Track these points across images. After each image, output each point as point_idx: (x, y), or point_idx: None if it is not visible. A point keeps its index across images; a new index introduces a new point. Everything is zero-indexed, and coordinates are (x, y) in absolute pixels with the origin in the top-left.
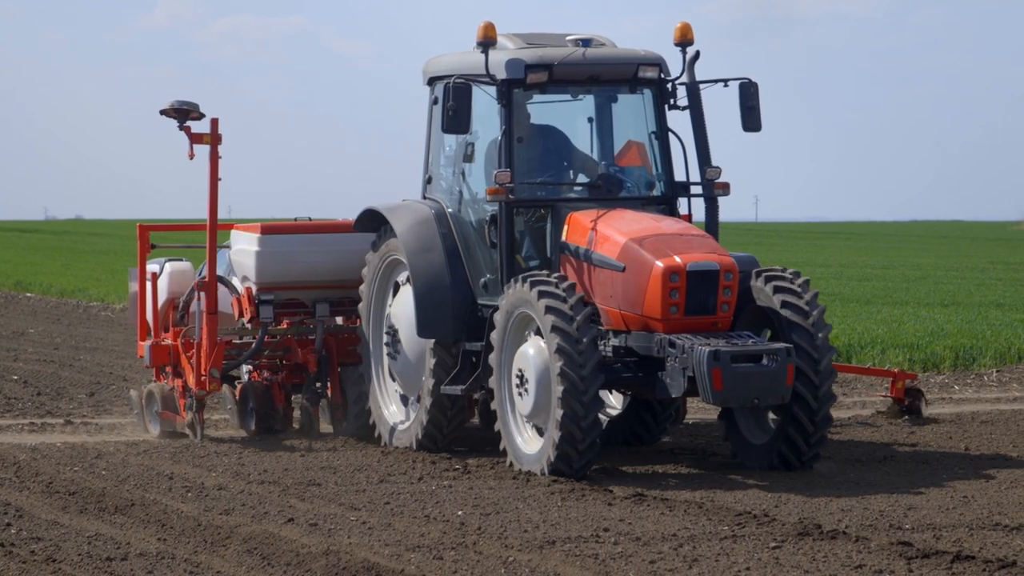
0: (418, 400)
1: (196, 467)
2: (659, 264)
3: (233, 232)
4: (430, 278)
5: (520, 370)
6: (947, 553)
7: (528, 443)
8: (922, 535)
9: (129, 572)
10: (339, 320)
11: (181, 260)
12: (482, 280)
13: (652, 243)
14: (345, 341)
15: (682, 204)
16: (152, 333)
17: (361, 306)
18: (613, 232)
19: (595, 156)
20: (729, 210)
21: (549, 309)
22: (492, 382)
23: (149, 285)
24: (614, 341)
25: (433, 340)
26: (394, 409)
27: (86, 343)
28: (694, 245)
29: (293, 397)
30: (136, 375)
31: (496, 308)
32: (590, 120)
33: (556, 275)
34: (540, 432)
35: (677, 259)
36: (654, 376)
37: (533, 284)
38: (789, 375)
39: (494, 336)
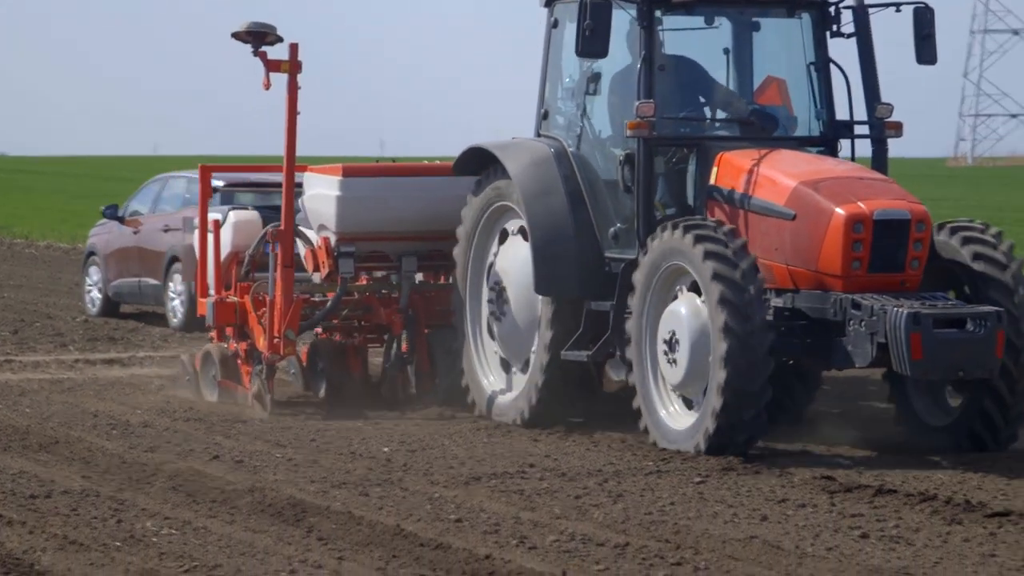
0: (525, 367)
1: (121, 404)
2: (840, 211)
3: (307, 175)
4: (551, 226)
5: (671, 332)
6: (869, 487)
7: (675, 418)
8: (845, 470)
9: (53, 510)
10: (419, 276)
11: (247, 208)
12: (611, 229)
13: (830, 187)
14: (433, 299)
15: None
16: (214, 290)
17: (458, 257)
18: (779, 174)
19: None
20: None
21: (709, 255)
22: (630, 348)
23: (211, 236)
24: (777, 301)
25: (551, 298)
26: (494, 378)
27: (10, 280)
28: (878, 190)
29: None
30: (60, 312)
31: (629, 262)
32: (726, 52)
33: (713, 220)
34: (690, 405)
35: (862, 205)
36: (829, 343)
37: (687, 229)
38: (999, 344)
39: (634, 293)
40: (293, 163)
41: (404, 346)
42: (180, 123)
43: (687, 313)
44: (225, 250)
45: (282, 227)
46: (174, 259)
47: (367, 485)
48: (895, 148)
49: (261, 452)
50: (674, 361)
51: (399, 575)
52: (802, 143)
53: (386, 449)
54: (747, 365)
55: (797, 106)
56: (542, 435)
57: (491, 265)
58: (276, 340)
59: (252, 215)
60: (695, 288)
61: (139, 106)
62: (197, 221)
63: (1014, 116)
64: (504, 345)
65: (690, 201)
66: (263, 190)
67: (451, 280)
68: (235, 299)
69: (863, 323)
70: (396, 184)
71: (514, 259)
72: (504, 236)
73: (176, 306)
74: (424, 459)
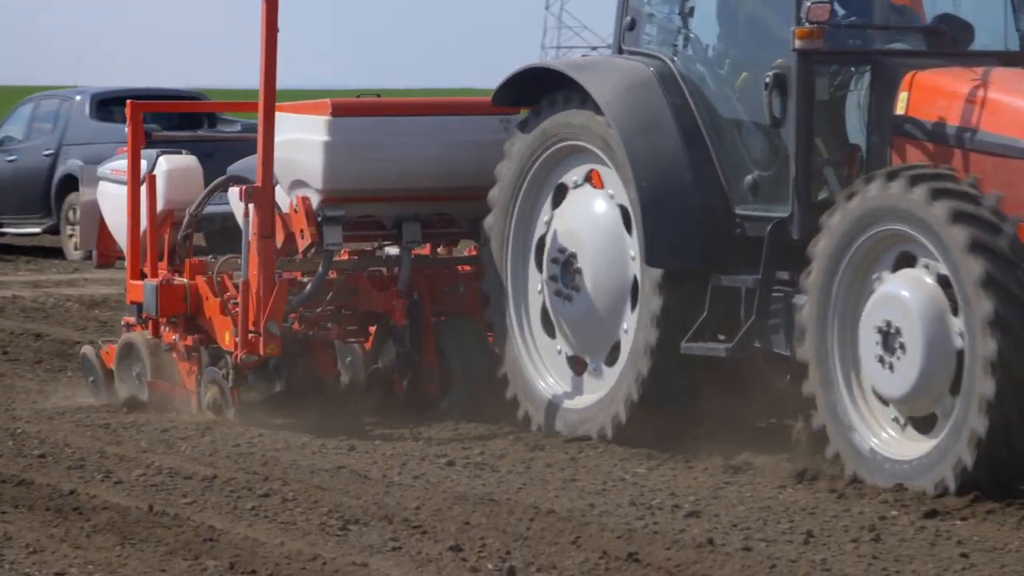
0: (609, 363)
1: None
2: None
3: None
4: (661, 174)
5: (885, 326)
6: (452, 418)
7: (893, 445)
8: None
9: None
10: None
11: (180, 152)
12: (748, 178)
13: None
14: (437, 278)
15: None
16: (147, 267)
17: (493, 216)
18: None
19: None
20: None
21: (976, 246)
22: (807, 338)
23: (144, 191)
24: None
25: (662, 272)
26: (554, 380)
27: None
28: None
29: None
30: None
31: (778, 221)
32: None
33: (968, 178)
34: (915, 427)
35: None
36: None
37: (937, 193)
38: None
39: (818, 266)
40: (273, 96)
41: (367, 345)
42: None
43: (915, 298)
44: (156, 208)
45: (259, 183)
46: None
47: None
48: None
49: None
50: (894, 366)
51: None
52: (1002, 60)
53: None
54: None
55: (987, 12)
56: None
57: (548, 226)
58: (252, 335)
59: (189, 161)
60: (906, 262)
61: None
62: (103, 170)
63: (594, 49)
64: (573, 334)
65: (851, 138)
66: None
67: (460, 250)
68: (183, 280)
69: None
70: (402, 126)
71: (587, 217)
72: (564, 188)
73: None
74: (5, 394)
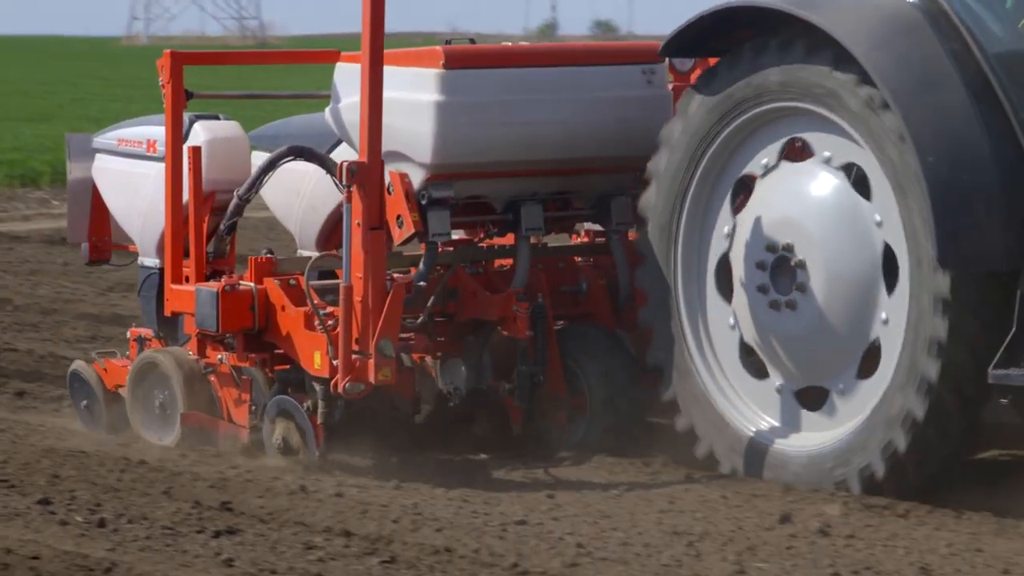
0: (857, 380)
1: None
2: None
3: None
4: (951, 145)
5: None
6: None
7: None
8: None
9: None
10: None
11: (219, 117)
12: None
13: None
14: (554, 275)
15: None
16: (193, 265)
17: (654, 197)
18: None
19: None
20: None
21: None
22: None
23: (187, 166)
24: None
25: (953, 275)
26: (751, 412)
27: None
28: None
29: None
30: None
31: None
32: None
33: None
34: None
35: None
36: None
37: None
38: None
39: None
40: (380, 45)
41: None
42: None
43: None
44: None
45: (363, 159)
46: None
47: None
48: (61, 26)
49: None
50: None
51: None
52: None
53: None
54: None
55: None
56: None
57: (731, 239)
58: (358, 357)
59: (233, 129)
60: None
61: None
62: (103, 140)
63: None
64: (788, 355)
65: None
66: None
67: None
68: (250, 284)
69: None
70: (532, 80)
71: (797, 196)
72: (751, 178)
73: None
74: None
